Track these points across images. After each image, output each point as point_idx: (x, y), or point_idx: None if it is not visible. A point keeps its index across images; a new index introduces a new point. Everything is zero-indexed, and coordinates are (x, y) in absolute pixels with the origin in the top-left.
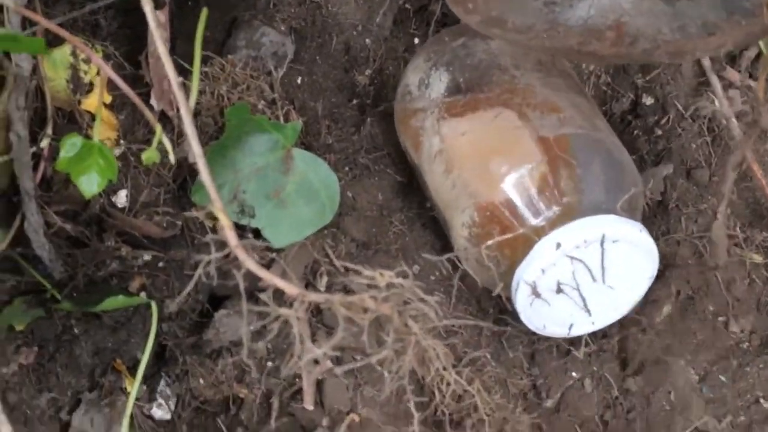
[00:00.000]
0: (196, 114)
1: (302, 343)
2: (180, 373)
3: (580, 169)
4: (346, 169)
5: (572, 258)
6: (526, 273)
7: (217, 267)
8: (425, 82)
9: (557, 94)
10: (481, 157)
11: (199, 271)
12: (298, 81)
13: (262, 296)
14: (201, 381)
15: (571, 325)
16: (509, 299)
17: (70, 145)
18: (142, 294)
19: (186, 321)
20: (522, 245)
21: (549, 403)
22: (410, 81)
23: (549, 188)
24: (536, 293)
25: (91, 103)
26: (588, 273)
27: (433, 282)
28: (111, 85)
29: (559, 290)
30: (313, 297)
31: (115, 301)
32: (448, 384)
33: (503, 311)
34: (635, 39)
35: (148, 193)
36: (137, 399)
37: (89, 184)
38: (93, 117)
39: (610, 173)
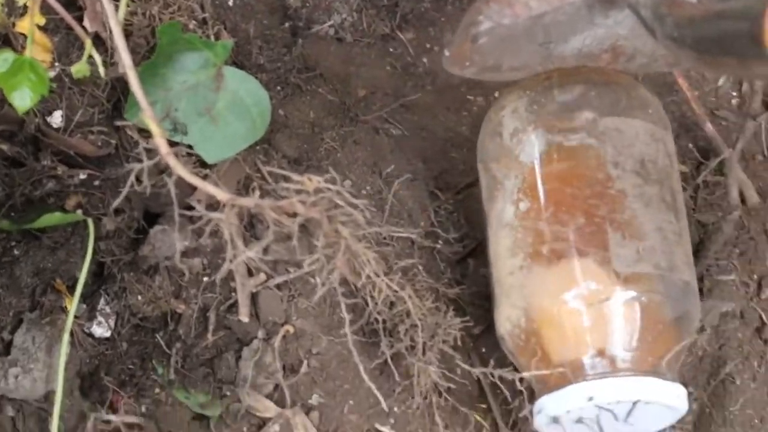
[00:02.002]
0: (128, 35)
1: (234, 247)
2: (118, 291)
3: (640, 320)
4: (278, 88)
5: (601, 407)
6: (551, 408)
7: (152, 184)
8: (518, 136)
9: (647, 211)
10: (546, 269)
11: (131, 179)
12: (230, 3)
13: (194, 202)
14: (139, 297)
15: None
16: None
17: (2, 61)
18: (78, 212)
19: (123, 239)
20: (557, 378)
21: (480, 311)
22: (505, 121)
23: (600, 332)
24: (555, 421)
25: (25, 25)
26: (612, 417)
27: (364, 197)
28: (45, 8)
29: (579, 421)
30: (243, 201)
31: (51, 218)
32: (380, 291)
33: (434, 225)
34: (632, 57)
35: (83, 113)
36: (77, 317)
37: (22, 100)
38: (27, 39)
39: (669, 327)
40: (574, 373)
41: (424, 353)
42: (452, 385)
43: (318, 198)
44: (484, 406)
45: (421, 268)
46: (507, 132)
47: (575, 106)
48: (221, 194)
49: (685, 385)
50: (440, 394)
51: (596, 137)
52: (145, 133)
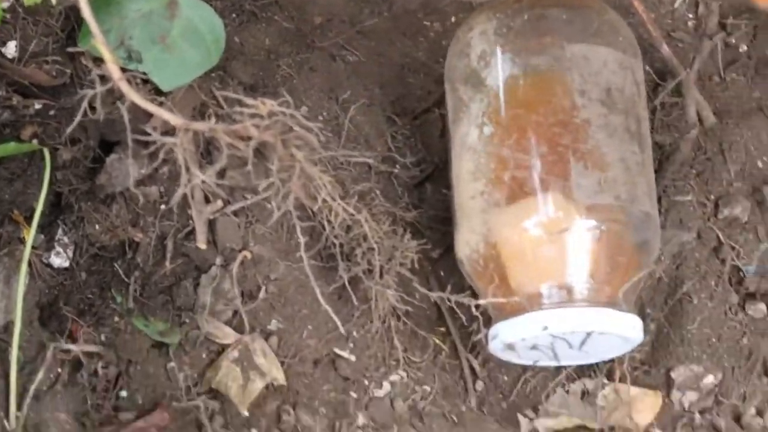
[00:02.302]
0: None
1: (188, 172)
2: (76, 221)
3: (599, 251)
4: (233, 15)
5: (555, 336)
6: (506, 335)
7: (107, 112)
8: (486, 59)
9: (611, 141)
10: (507, 197)
11: (84, 105)
12: None
13: (149, 129)
14: (96, 227)
15: (537, 361)
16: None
17: None
18: (34, 142)
19: (80, 168)
20: (514, 305)
21: (438, 235)
22: (474, 43)
23: (559, 262)
24: (510, 347)
25: None
26: (567, 345)
27: (320, 122)
28: None
29: (534, 348)
30: (197, 126)
31: (7, 148)
32: (337, 214)
33: (391, 149)
34: None
35: (37, 43)
36: (36, 248)
37: None
38: None
39: (627, 258)
40: (530, 301)
41: (381, 276)
42: (410, 309)
43: (272, 121)
44: (443, 329)
45: (378, 192)
46: (474, 54)
47: (544, 31)
48: (175, 119)
49: (643, 306)
50: (399, 318)
51: (563, 64)
52: (100, 61)
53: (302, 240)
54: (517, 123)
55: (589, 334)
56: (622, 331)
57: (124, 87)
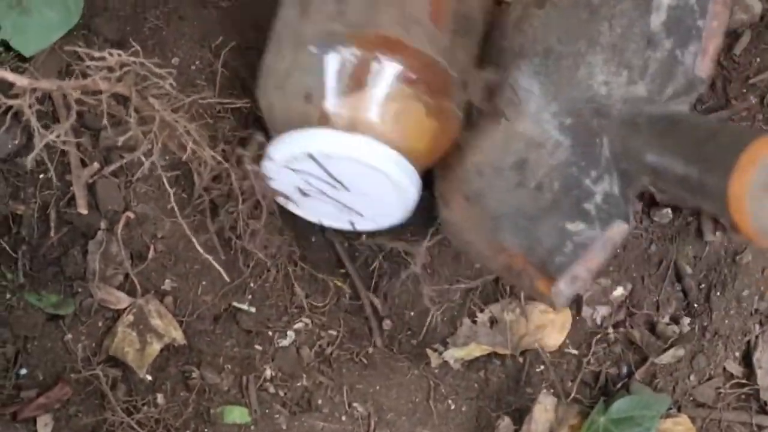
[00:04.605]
0: None
1: (39, 133)
2: None
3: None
4: None
5: (292, 169)
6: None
7: None
8: None
9: None
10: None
11: None
12: None
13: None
14: None
15: (353, 222)
16: None
17: None
18: None
19: None
20: None
21: None
22: None
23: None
24: (285, 197)
25: None
26: (322, 182)
27: (194, 72)
28: None
29: (304, 194)
30: (43, 84)
31: None
32: (206, 163)
33: None
34: None
35: None
36: None
37: None
38: None
39: (402, 99)
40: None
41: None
42: (307, 253)
43: (122, 73)
44: (342, 270)
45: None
46: None
47: None
48: (20, 80)
49: None
50: (296, 264)
51: None
52: None
53: (171, 191)
54: None
55: (317, 161)
56: (348, 150)
57: None
